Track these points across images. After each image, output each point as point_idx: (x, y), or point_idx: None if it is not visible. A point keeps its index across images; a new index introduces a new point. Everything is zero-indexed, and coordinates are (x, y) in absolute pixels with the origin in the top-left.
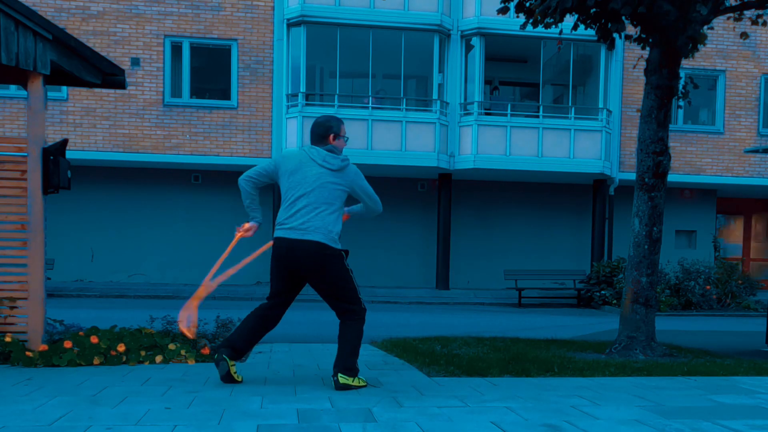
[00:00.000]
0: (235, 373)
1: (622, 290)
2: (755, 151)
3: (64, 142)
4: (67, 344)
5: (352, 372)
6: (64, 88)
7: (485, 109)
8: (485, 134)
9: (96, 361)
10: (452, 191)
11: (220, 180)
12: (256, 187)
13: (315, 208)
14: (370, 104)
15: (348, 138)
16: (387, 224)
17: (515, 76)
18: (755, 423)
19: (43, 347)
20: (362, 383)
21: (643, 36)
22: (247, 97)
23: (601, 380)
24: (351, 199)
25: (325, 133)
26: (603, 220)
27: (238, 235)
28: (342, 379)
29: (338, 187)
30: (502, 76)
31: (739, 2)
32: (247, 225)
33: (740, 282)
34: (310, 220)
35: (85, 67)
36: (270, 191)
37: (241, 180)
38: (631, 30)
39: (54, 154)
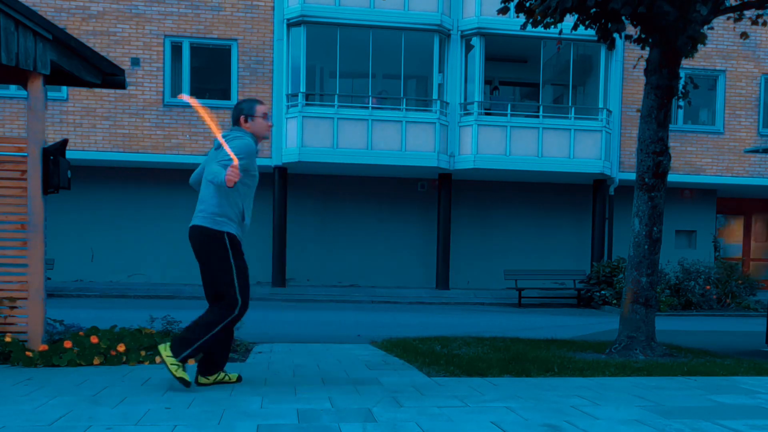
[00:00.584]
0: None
1: (622, 290)
2: (755, 151)
3: (64, 142)
4: (67, 344)
5: (178, 356)
6: (64, 88)
7: (485, 109)
8: (485, 134)
9: (96, 361)
10: (452, 191)
11: None
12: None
13: (201, 194)
14: (370, 104)
15: (270, 116)
16: (387, 224)
17: (515, 76)
18: (755, 423)
19: (43, 347)
20: (179, 374)
21: (643, 36)
22: (247, 97)
23: (601, 380)
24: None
25: (236, 115)
26: (603, 220)
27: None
28: (164, 350)
29: (216, 166)
30: (502, 76)
31: (739, 2)
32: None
33: (740, 282)
34: (198, 204)
35: (85, 67)
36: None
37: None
38: (631, 30)
39: (54, 154)
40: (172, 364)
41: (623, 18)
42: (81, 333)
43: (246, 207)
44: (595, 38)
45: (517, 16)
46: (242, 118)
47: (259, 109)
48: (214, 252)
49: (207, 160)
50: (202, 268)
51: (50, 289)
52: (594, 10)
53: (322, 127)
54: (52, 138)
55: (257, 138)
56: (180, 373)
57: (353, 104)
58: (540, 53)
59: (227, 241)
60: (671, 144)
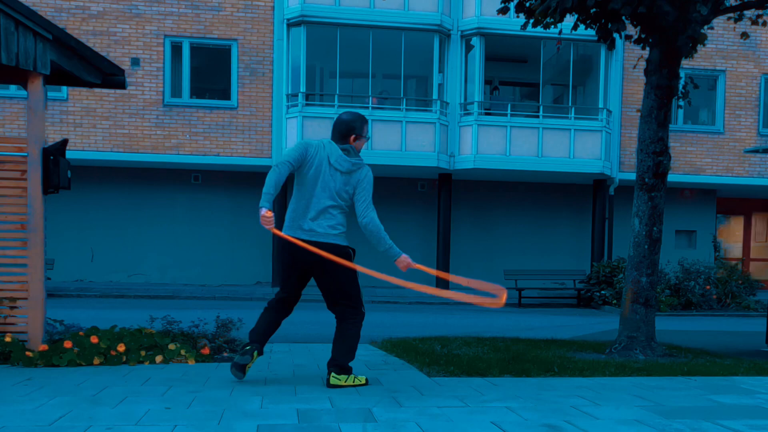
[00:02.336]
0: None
1: (622, 290)
2: (755, 151)
3: (64, 142)
4: (67, 344)
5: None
6: (64, 88)
7: (485, 109)
8: (485, 134)
9: (96, 361)
10: (452, 191)
11: (220, 180)
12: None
13: (323, 209)
14: (370, 104)
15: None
16: (387, 224)
17: (515, 76)
18: (755, 423)
19: (43, 347)
20: (358, 381)
21: (643, 36)
22: (247, 97)
23: (601, 380)
24: None
25: (346, 131)
26: (603, 220)
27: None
28: (335, 381)
29: (345, 188)
30: (502, 76)
31: (739, 2)
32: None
33: (740, 282)
34: (320, 221)
35: (85, 67)
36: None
37: (280, 165)
38: (631, 30)
39: (54, 154)
40: (352, 383)
41: (623, 18)
42: (81, 333)
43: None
44: (595, 38)
45: (517, 16)
46: (353, 136)
47: (366, 129)
48: (344, 266)
49: (325, 170)
50: (324, 278)
51: (50, 289)
52: (594, 10)
53: (322, 127)
54: (52, 138)
55: None
56: (358, 380)
57: (353, 104)
58: (540, 53)
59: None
60: (671, 144)
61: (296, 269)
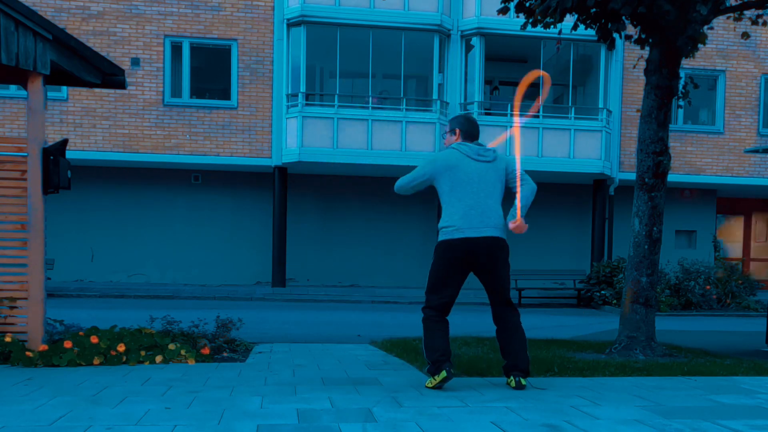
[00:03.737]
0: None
1: (622, 290)
2: (755, 151)
3: (64, 142)
4: (67, 344)
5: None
6: (64, 88)
7: (485, 109)
8: (485, 134)
9: (96, 361)
10: None
11: (220, 180)
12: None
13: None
14: (370, 104)
15: (453, 132)
16: (387, 224)
17: (515, 76)
18: (755, 423)
19: (43, 347)
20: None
21: (643, 36)
22: (247, 97)
23: (601, 380)
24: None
25: (477, 133)
26: (603, 220)
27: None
28: (526, 382)
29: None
30: (502, 76)
31: (739, 2)
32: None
33: (740, 282)
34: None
35: (85, 67)
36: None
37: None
38: (631, 30)
39: (54, 154)
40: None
41: (623, 18)
42: (81, 333)
43: None
44: (595, 38)
45: (517, 16)
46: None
47: (451, 124)
48: (508, 261)
49: (480, 168)
50: (496, 274)
51: (50, 289)
52: (594, 10)
53: (322, 127)
54: (52, 138)
55: None
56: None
57: (353, 104)
58: (540, 53)
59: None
60: (671, 144)
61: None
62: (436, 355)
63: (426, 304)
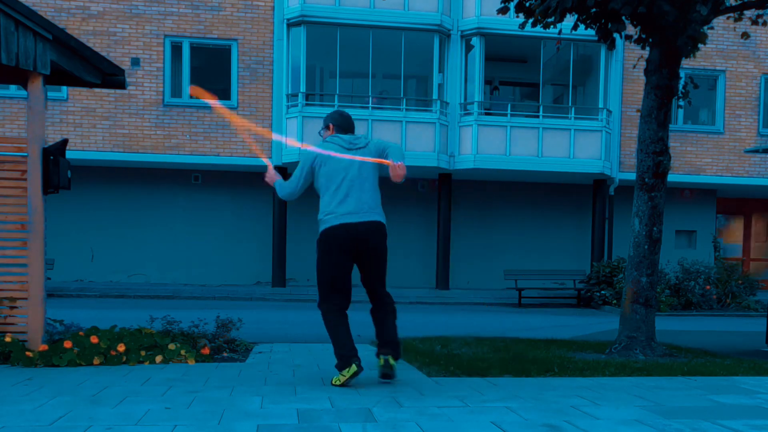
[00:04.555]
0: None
1: (622, 290)
2: (755, 151)
3: (64, 142)
4: (67, 344)
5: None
6: (64, 88)
7: (485, 109)
8: (485, 134)
9: (96, 361)
10: (452, 191)
11: (220, 180)
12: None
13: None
14: (370, 104)
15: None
16: (387, 224)
17: (515, 76)
18: (755, 423)
19: (43, 347)
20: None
21: (643, 36)
22: (247, 97)
23: (601, 380)
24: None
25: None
26: (603, 220)
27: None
28: (396, 369)
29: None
30: (502, 76)
31: (739, 2)
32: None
33: (740, 282)
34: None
35: (85, 67)
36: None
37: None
38: (631, 30)
39: (54, 154)
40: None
41: (623, 18)
42: (81, 333)
43: None
44: (595, 38)
45: (517, 16)
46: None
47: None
48: (385, 245)
49: (347, 160)
50: (374, 262)
51: (50, 289)
52: (594, 10)
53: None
54: (52, 138)
55: None
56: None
57: (353, 104)
58: (540, 53)
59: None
60: (671, 144)
61: None
62: (345, 350)
63: (321, 300)
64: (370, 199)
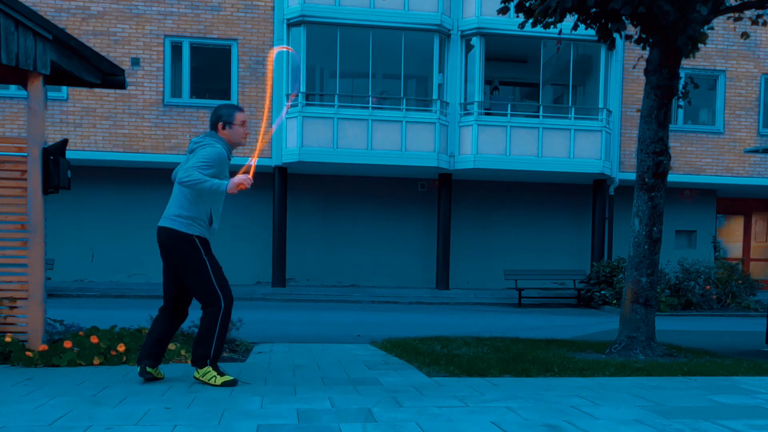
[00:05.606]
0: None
1: (622, 290)
2: (755, 151)
3: (64, 142)
4: (67, 344)
5: (203, 366)
6: (64, 88)
7: (485, 109)
8: (485, 134)
9: (96, 361)
10: (452, 191)
11: None
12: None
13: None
14: (370, 104)
15: (241, 124)
16: (387, 224)
17: (515, 76)
18: (755, 423)
19: (43, 347)
20: (222, 381)
21: (643, 36)
22: (247, 97)
23: (601, 380)
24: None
25: (214, 121)
26: (603, 220)
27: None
28: (197, 374)
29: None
30: (502, 76)
31: (739, 2)
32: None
33: (740, 282)
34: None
35: (85, 67)
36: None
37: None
38: (631, 30)
39: (54, 154)
40: (209, 379)
41: (623, 18)
42: (81, 333)
43: (215, 211)
44: (595, 38)
45: (517, 16)
46: (220, 124)
47: (239, 116)
48: (189, 254)
49: (183, 162)
50: (169, 270)
51: (50, 289)
52: (594, 10)
53: (322, 127)
54: (52, 138)
55: (232, 145)
56: (221, 380)
57: (353, 104)
58: (540, 53)
59: (198, 243)
60: (671, 144)
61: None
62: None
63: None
64: (170, 205)
